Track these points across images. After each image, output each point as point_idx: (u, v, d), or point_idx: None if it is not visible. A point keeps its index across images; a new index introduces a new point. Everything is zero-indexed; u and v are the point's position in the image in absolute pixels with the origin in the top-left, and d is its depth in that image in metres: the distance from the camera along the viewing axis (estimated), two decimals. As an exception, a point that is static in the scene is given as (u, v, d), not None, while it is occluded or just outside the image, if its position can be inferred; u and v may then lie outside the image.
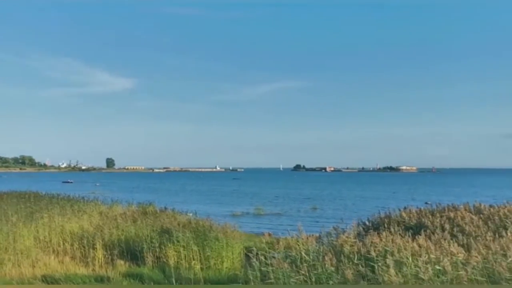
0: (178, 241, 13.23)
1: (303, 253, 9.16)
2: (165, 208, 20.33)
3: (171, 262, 12.92)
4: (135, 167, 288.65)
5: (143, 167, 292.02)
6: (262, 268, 8.95)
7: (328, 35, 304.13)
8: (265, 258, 9.20)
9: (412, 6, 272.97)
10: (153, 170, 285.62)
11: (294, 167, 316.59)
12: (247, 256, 11.80)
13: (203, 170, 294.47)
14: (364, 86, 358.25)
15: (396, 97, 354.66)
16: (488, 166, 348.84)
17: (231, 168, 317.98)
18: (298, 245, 10.00)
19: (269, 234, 13.39)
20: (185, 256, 13.08)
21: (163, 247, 13.42)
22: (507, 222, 12.54)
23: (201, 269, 12.59)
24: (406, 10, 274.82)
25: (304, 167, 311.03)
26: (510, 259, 7.30)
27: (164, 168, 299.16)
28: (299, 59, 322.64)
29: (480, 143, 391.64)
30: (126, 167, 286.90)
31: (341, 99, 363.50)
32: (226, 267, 13.05)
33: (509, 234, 10.29)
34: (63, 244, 15.28)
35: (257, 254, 9.40)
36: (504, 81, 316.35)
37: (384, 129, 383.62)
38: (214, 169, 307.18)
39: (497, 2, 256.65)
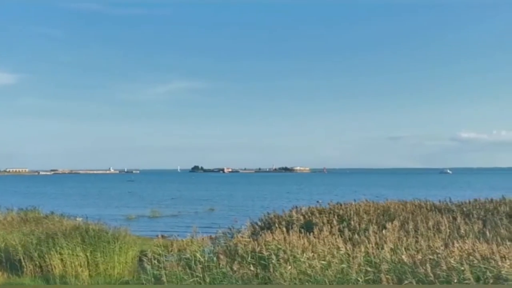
0: (63, 248, 12.40)
1: (197, 255, 9.11)
2: (52, 213, 18.98)
3: (57, 270, 12.07)
4: (17, 170, 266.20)
5: (27, 169, 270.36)
6: (155, 272, 8.74)
7: (225, 35, 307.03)
8: (159, 261, 9.00)
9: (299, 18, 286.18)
10: (38, 172, 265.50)
11: (192, 168, 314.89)
12: (140, 260, 11.46)
13: (95, 172, 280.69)
14: (260, 89, 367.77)
15: (290, 100, 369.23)
16: (375, 166, 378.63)
17: (126, 170, 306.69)
18: (193, 246, 9.94)
19: (163, 237, 13.12)
20: (72, 263, 12.30)
21: (46, 255, 12.48)
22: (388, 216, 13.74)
23: (90, 276, 11.96)
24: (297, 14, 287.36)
25: (202, 168, 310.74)
26: (386, 251, 7.91)
27: (52, 170, 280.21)
28: (196, 60, 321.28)
29: (368, 145, 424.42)
30: (7, 170, 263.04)
31: (238, 100, 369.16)
32: (117, 273, 12.52)
33: (389, 227, 11.22)
34: None
35: (150, 257, 9.17)
36: (390, 86, 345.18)
37: (279, 131, 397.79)
38: (108, 171, 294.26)
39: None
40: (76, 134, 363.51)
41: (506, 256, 6.51)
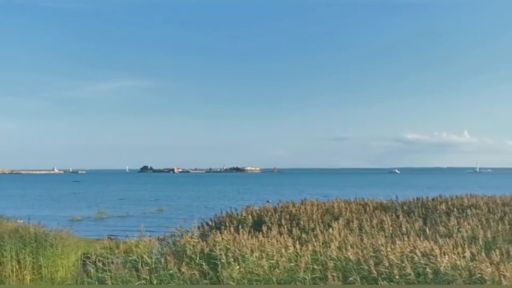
0: (3, 251, 11.80)
1: (144, 256, 8.93)
2: (-11, 215, 17.99)
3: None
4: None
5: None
6: (100, 275, 8.48)
7: (174, 34, 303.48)
8: (103, 264, 8.73)
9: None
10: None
11: (141, 169, 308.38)
12: (85, 263, 11.09)
13: (38, 172, 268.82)
14: (210, 88, 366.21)
15: (244, 100, 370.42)
16: (324, 166, 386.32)
17: (71, 170, 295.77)
18: (140, 248, 9.74)
19: (110, 239, 12.77)
20: (13, 267, 11.74)
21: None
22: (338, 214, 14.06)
23: (32, 280, 11.45)
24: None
25: (151, 168, 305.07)
26: (332, 249, 8.08)
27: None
28: (144, 58, 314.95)
29: (317, 146, 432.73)
30: None
31: (189, 100, 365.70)
32: (60, 276, 12.07)
33: (335, 226, 11.48)
34: None
35: (95, 260, 8.89)
36: (337, 88, 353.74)
37: (231, 130, 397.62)
38: (52, 171, 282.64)
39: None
40: (16, 132, 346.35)
41: (445, 252, 6.82)
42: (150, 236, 11.85)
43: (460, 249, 7.34)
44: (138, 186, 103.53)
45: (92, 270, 8.65)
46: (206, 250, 8.85)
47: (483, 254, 6.81)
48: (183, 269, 8.03)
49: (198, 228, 14.25)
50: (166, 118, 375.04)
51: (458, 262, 6.31)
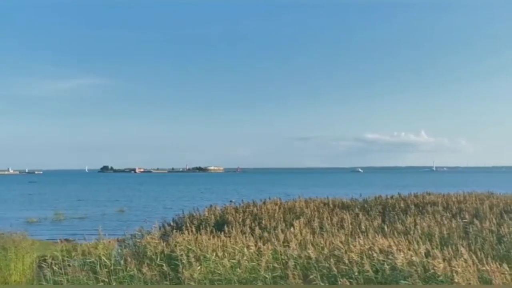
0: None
1: (103, 258, 8.73)
2: None
3: None
4: None
5: None
6: (56, 278, 8.22)
7: (135, 34, 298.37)
8: (60, 267, 8.48)
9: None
10: None
11: (101, 169, 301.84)
12: (40, 266, 10.73)
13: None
14: (174, 89, 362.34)
15: (207, 100, 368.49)
16: (288, 166, 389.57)
17: (27, 171, 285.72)
18: (98, 250, 9.52)
19: (68, 241, 12.41)
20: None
21: None
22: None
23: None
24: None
25: (112, 168, 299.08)
26: (293, 248, 8.15)
27: None
28: (104, 57, 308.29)
29: (280, 145, 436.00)
30: None
31: (151, 99, 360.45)
32: (14, 281, 11.61)
33: (296, 224, 11.59)
34: None
35: (51, 263, 8.62)
36: (299, 89, 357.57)
37: (194, 129, 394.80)
38: (6, 172, 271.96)
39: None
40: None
41: (401, 249, 7.01)
42: (109, 237, 11.59)
43: (416, 246, 7.56)
44: (98, 187, 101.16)
45: (48, 273, 8.38)
46: (167, 251, 8.75)
47: (435, 250, 7.03)
48: (143, 270, 7.91)
49: (159, 228, 14.09)
50: (127, 117, 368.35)
51: (414, 258, 6.50)
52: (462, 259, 6.37)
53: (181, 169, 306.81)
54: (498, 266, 6.09)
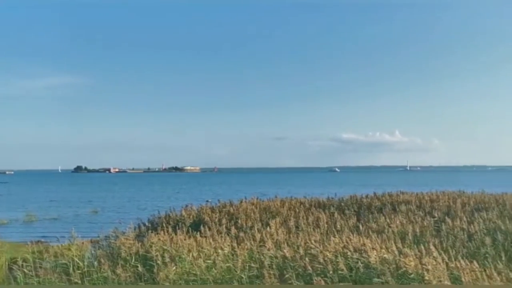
0: None
1: (76, 260, 8.59)
2: None
3: None
4: None
5: None
6: (27, 281, 8.04)
7: (113, 30, 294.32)
8: (31, 269, 8.29)
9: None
10: None
11: (75, 169, 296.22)
12: (11, 268, 10.47)
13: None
14: (149, 87, 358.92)
15: (183, 99, 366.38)
16: (265, 166, 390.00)
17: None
18: (72, 251, 9.35)
19: (40, 242, 12.15)
20: None
21: None
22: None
23: None
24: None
25: (86, 168, 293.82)
26: (268, 247, 8.18)
27: None
28: (78, 54, 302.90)
29: (257, 145, 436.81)
30: None
31: (125, 98, 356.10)
32: (-17, 284, 11.28)
33: (272, 224, 11.63)
34: None
35: (22, 265, 8.42)
36: (276, 89, 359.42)
37: (169, 129, 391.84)
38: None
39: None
40: None
41: (373, 247, 7.11)
42: (82, 239, 11.39)
43: (389, 244, 7.68)
44: (71, 187, 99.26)
45: (19, 275, 8.19)
46: (142, 252, 8.66)
47: (406, 249, 7.15)
48: (118, 272, 7.81)
49: (134, 229, 13.95)
50: (102, 117, 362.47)
51: (386, 256, 6.60)
52: (432, 257, 6.49)
53: (157, 169, 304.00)
54: (468, 263, 6.24)
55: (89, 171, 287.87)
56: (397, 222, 11.69)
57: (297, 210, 15.11)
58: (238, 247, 8.43)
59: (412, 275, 5.89)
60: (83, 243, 10.56)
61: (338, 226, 11.80)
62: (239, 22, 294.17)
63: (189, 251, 8.32)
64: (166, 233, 10.03)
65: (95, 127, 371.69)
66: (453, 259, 6.47)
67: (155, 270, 7.80)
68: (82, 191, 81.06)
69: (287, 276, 6.84)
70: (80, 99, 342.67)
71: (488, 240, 9.28)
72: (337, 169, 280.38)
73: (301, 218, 13.03)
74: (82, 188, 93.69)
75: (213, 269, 7.58)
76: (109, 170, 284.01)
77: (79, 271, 8.19)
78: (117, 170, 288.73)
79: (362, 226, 11.65)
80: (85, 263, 8.58)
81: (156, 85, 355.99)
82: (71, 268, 8.41)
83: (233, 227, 12.01)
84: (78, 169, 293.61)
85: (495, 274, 5.95)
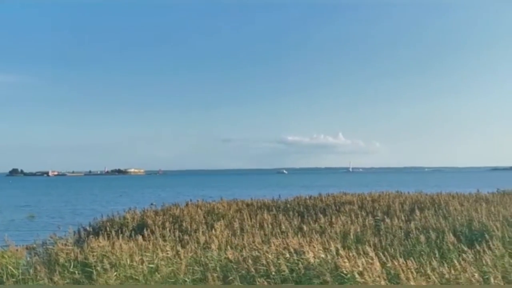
0: None
1: (10, 267, 8.16)
2: None
3: None
4: None
5: None
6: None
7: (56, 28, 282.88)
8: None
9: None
10: None
11: (10, 172, 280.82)
12: None
13: None
14: (90, 88, 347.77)
15: (127, 100, 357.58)
16: (210, 168, 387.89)
17: None
18: (5, 258, 8.89)
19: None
20: None
21: None
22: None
23: None
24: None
25: (22, 171, 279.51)
26: (213, 249, 8.14)
27: None
28: (15, 54, 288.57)
29: (202, 147, 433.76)
30: None
31: (65, 98, 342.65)
32: None
33: (217, 226, 11.60)
34: None
35: None
36: (222, 91, 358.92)
37: (113, 130, 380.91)
38: None
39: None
40: None
41: (312, 248, 7.25)
42: (18, 245, 10.82)
43: (327, 245, 7.86)
44: (5, 191, 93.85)
45: None
46: (81, 258, 8.35)
47: (340, 249, 7.33)
48: (55, 279, 7.50)
49: (74, 234, 13.47)
50: (40, 117, 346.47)
51: (323, 256, 6.76)
52: (368, 256, 6.71)
53: (99, 172, 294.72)
54: (404, 262, 6.51)
55: (25, 174, 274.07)
56: (339, 222, 11.99)
57: (242, 212, 15.17)
58: (181, 250, 8.32)
59: (348, 276, 6.05)
60: (18, 249, 10.04)
61: (283, 227, 11.94)
62: (170, 18, 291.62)
63: (130, 255, 8.12)
64: (107, 238, 9.74)
65: (33, 128, 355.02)
66: (389, 258, 6.70)
67: (94, 277, 7.55)
68: (17, 195, 76.95)
69: (230, 278, 6.84)
70: (17, 99, 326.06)
71: (422, 238, 9.74)
72: (285, 171, 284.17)
73: (245, 220, 13.08)
74: (18, 192, 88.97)
75: (156, 273, 7.44)
76: (47, 173, 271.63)
77: (14, 279, 7.79)
78: (56, 173, 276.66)
79: (306, 226, 11.86)
80: (20, 271, 8.17)
81: (99, 84, 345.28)
82: (4, 276, 7.99)
83: (177, 230, 11.88)
84: (14, 172, 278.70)
85: (428, 271, 6.24)
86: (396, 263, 6.34)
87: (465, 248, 8.28)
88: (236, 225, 12.28)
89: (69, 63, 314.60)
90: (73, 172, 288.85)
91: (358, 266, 6.10)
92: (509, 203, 15.13)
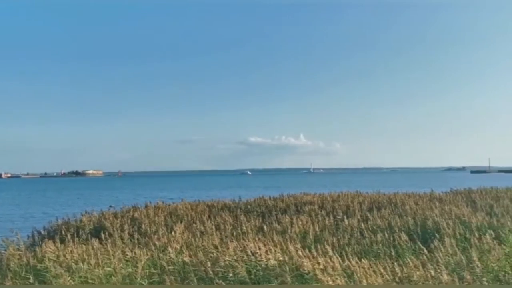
0: None
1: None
2: None
3: None
4: None
5: None
6: None
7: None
8: None
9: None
10: None
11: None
12: None
13: None
14: (44, 90, 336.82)
15: (85, 101, 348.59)
16: (169, 169, 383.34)
17: None
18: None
19: None
20: None
21: None
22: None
23: None
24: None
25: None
26: (171, 252, 8.05)
27: None
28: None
29: (161, 149, 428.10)
30: None
31: (17, 99, 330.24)
32: None
33: (177, 228, 11.49)
34: None
35: None
36: (180, 93, 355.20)
37: (69, 131, 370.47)
38: None
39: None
40: None
41: (270, 249, 7.29)
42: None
43: (285, 245, 7.92)
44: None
45: None
46: (34, 262, 8.07)
47: (299, 249, 7.40)
48: (7, 284, 7.23)
49: (28, 238, 13.05)
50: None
51: (281, 258, 6.81)
52: (327, 256, 6.82)
53: (55, 174, 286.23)
54: (358, 261, 6.65)
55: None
56: (299, 223, 12.11)
57: (202, 214, 15.07)
58: (138, 253, 8.19)
59: (307, 276, 6.12)
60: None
61: (244, 228, 11.94)
62: (140, 19, 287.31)
63: (85, 259, 7.92)
64: (62, 242, 9.47)
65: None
66: (346, 257, 6.82)
67: (47, 281, 7.31)
68: (-34, 199, 73.51)
69: (186, 282, 6.79)
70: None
71: (379, 237, 9.98)
72: (249, 172, 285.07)
73: (206, 221, 13.01)
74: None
75: (113, 276, 7.27)
76: (0, 175, 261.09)
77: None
78: (9, 175, 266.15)
79: (267, 227, 11.90)
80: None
81: (59, 85, 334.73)
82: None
83: (136, 233, 11.68)
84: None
85: (381, 270, 6.39)
86: (351, 262, 6.46)
87: (421, 246, 8.54)
88: (197, 226, 12.20)
89: (26, 64, 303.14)
90: (27, 174, 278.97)
91: (319, 264, 6.17)
92: (461, 202, 15.74)
